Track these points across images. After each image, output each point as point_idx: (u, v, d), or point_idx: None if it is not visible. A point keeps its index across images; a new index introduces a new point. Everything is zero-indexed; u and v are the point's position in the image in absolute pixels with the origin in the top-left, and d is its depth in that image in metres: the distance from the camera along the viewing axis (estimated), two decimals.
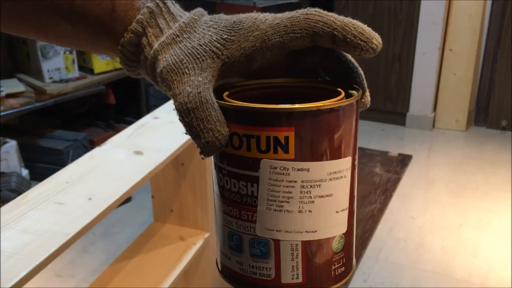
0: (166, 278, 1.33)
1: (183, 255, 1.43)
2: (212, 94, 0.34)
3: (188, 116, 0.33)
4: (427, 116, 3.30)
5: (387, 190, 2.57)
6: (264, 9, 2.88)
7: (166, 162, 1.25)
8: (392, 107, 3.36)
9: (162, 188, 1.56)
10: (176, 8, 0.39)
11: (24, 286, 0.83)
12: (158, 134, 1.39)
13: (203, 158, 0.34)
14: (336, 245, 0.36)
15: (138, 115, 2.56)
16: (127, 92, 3.02)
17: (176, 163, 1.50)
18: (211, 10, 2.78)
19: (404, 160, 2.88)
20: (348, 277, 0.38)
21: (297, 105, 0.33)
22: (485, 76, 3.26)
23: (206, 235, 1.52)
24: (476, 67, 3.21)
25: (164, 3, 0.38)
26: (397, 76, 3.29)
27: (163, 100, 1.78)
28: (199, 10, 0.38)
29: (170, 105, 1.63)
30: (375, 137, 3.19)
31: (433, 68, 3.19)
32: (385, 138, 3.20)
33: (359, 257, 2.07)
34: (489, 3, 3.10)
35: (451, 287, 1.92)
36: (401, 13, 3.18)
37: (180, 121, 0.34)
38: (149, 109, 2.89)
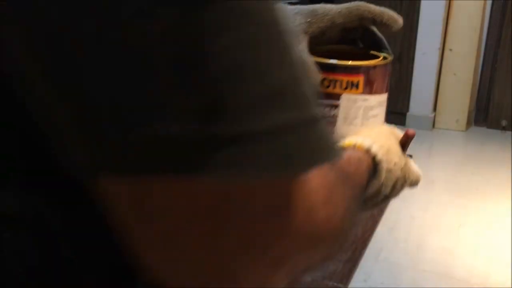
0: None
1: None
2: (308, 56, 0.52)
3: None
4: (427, 116, 3.30)
5: None
6: None
7: None
8: (392, 107, 3.34)
9: None
10: None
11: None
12: None
13: None
14: None
15: None
16: None
17: None
18: None
19: None
20: None
21: (364, 62, 0.54)
22: (485, 76, 3.26)
23: None
24: (476, 67, 3.21)
25: None
26: (397, 76, 3.29)
27: None
28: None
29: None
30: None
31: (433, 68, 3.19)
32: None
33: (359, 256, 2.06)
34: (489, 3, 3.09)
35: (451, 287, 1.92)
36: (401, 13, 3.14)
37: None
38: None
